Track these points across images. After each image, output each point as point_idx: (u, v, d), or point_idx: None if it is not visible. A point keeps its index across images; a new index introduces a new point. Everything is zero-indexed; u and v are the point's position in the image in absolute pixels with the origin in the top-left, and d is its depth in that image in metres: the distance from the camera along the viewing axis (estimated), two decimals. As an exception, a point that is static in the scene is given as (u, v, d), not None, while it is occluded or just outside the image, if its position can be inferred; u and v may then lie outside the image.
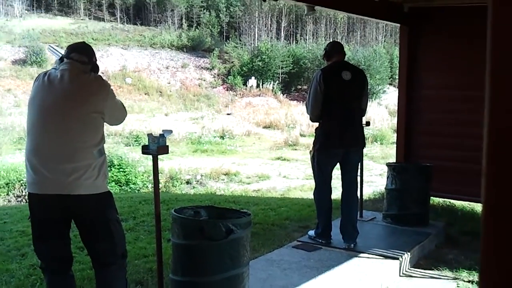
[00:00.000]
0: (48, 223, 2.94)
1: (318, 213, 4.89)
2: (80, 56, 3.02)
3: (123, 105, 3.22)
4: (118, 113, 3.15)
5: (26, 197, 3.12)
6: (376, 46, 43.83)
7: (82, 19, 45.91)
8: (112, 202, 3.04)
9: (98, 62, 3.22)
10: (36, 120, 2.90)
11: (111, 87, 3.09)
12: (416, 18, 6.57)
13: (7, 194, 10.27)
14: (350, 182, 4.84)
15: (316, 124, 4.76)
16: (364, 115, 4.90)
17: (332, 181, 4.87)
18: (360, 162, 5.17)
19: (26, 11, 46.18)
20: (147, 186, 11.38)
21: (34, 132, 2.90)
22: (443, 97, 6.46)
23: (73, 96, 2.89)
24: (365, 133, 5.01)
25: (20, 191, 10.23)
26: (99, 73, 3.19)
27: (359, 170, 5.06)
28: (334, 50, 4.80)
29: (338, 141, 4.60)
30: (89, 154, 2.85)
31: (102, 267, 3.04)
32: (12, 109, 25.48)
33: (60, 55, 3.10)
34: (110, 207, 3.02)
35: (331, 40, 5.42)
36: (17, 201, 9.98)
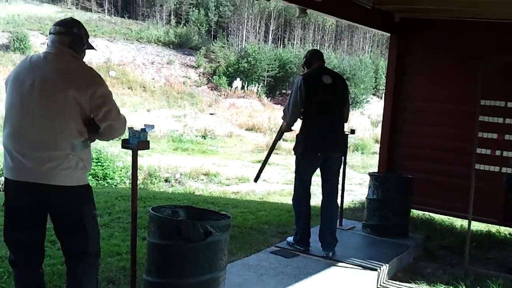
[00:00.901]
0: (21, 211, 2.80)
1: (296, 219, 4.83)
2: (58, 27, 2.82)
3: (119, 114, 2.91)
4: (113, 120, 2.85)
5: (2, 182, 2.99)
6: (362, 55, 44.08)
7: (69, 8, 45.24)
8: (90, 196, 2.90)
9: (84, 37, 2.91)
10: (15, 103, 2.74)
11: (102, 82, 2.81)
12: (406, 28, 6.56)
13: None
14: (331, 189, 4.79)
15: (298, 130, 4.73)
16: (346, 121, 4.87)
17: (312, 187, 4.82)
18: (342, 170, 5.13)
19: (12, -4, 45.36)
20: (124, 182, 11.20)
21: (13, 116, 2.75)
22: (429, 110, 6.45)
23: (54, 82, 2.71)
24: (346, 141, 4.99)
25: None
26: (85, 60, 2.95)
27: (340, 178, 5.01)
28: (315, 57, 4.82)
29: (319, 146, 4.56)
30: (67, 144, 2.70)
31: (74, 264, 2.90)
32: (-9, 95, 24.92)
33: None
34: (87, 201, 2.88)
35: (312, 48, 5.42)
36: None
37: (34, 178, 2.69)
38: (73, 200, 2.79)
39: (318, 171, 4.78)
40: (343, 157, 5.02)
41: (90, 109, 2.77)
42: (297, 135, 4.72)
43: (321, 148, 4.58)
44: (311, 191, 4.83)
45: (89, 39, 2.98)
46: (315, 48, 5.26)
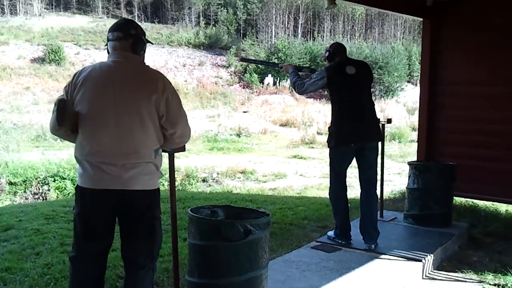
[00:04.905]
0: (97, 220, 2.74)
1: (334, 213, 4.78)
2: (116, 33, 2.74)
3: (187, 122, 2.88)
4: (182, 123, 2.81)
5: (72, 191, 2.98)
6: (394, 43, 43.31)
7: (100, 17, 46.24)
8: (159, 200, 2.89)
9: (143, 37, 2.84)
10: (95, 115, 2.68)
11: (171, 86, 2.83)
12: (439, 12, 6.39)
13: (24, 192, 10.27)
14: (369, 180, 4.71)
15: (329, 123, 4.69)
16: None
17: (350, 179, 4.75)
18: (380, 160, 5.04)
19: (45, 10, 46.73)
20: (163, 184, 11.31)
21: (92, 127, 2.68)
22: (466, 94, 6.27)
23: (135, 90, 2.67)
24: (383, 130, 4.90)
25: (37, 188, 10.25)
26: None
27: (378, 168, 4.93)
28: (338, 52, 4.73)
29: (350, 136, 4.51)
30: (151, 152, 2.72)
31: (136, 268, 2.82)
32: (31, 106, 25.70)
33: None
34: (158, 205, 2.87)
35: (334, 41, 5.39)
36: (34, 199, 10.00)
37: (115, 185, 2.65)
38: (149, 204, 2.78)
39: (354, 162, 4.72)
40: (379, 146, 4.93)
41: (164, 114, 2.73)
42: (329, 128, 4.68)
43: (353, 138, 4.52)
44: (349, 183, 4.77)
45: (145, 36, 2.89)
46: (338, 41, 5.19)
